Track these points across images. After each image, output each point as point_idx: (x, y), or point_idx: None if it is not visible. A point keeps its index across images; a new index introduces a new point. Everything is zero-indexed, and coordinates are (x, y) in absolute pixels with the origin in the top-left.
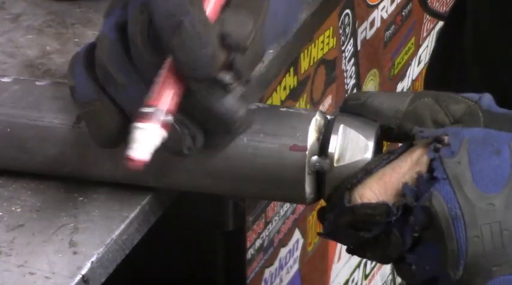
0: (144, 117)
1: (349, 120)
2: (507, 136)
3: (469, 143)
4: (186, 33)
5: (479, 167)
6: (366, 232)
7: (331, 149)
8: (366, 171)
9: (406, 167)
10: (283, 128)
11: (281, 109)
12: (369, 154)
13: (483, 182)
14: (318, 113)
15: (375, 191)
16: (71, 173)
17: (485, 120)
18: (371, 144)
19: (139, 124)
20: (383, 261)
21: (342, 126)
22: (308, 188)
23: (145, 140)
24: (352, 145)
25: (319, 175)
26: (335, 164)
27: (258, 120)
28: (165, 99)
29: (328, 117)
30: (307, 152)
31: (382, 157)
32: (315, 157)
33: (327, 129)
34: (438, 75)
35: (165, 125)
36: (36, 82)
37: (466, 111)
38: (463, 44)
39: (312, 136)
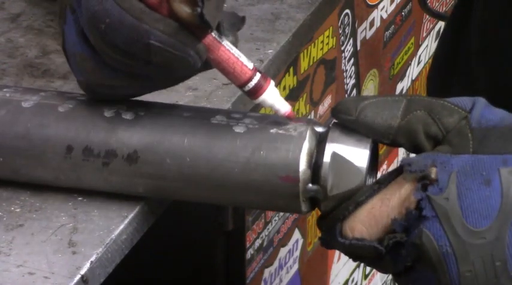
0: (261, 85)
1: (341, 139)
2: (496, 161)
3: (457, 175)
4: (159, 51)
5: (468, 202)
6: (358, 259)
7: (323, 179)
8: (356, 203)
9: (395, 202)
10: (274, 157)
11: (271, 130)
12: (362, 181)
13: (473, 217)
14: (308, 134)
15: (365, 225)
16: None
17: (474, 140)
18: (364, 169)
19: (265, 94)
20: (378, 271)
21: (333, 153)
22: (304, 208)
23: (277, 96)
24: (345, 172)
25: (314, 198)
26: (329, 194)
27: (248, 146)
28: (247, 66)
29: (320, 129)
30: (299, 183)
31: (372, 187)
32: (309, 186)
33: (318, 151)
34: (441, 76)
35: (265, 76)
36: (22, 104)
37: (455, 128)
38: (466, 44)
39: (303, 165)
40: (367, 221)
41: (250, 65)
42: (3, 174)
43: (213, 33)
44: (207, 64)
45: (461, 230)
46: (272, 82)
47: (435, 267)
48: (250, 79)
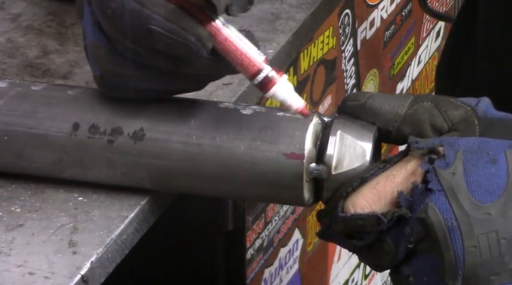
0: (271, 78)
1: (346, 124)
2: (503, 144)
3: (464, 153)
4: (161, 37)
5: (474, 178)
6: (358, 241)
7: (328, 157)
8: (360, 180)
9: (401, 177)
10: (280, 135)
11: (278, 113)
12: (366, 161)
13: (478, 192)
14: (315, 118)
15: (368, 200)
16: (69, 177)
17: (481, 127)
18: (368, 150)
19: (275, 87)
20: (375, 268)
21: (339, 132)
22: (307, 193)
23: (290, 90)
24: (350, 152)
25: (318, 181)
26: (333, 172)
27: (255, 125)
28: (255, 58)
29: (326, 119)
30: (304, 160)
31: (378, 166)
32: (313, 165)
33: (324, 134)
34: (449, 73)
35: (277, 70)
36: (32, 87)
37: (462, 118)
38: (474, 42)
39: (309, 144)
40: (370, 196)
41: (261, 57)
42: (5, 158)
43: (219, 22)
44: (226, 63)
45: (467, 204)
46: (285, 76)
47: (439, 243)
48: (259, 72)
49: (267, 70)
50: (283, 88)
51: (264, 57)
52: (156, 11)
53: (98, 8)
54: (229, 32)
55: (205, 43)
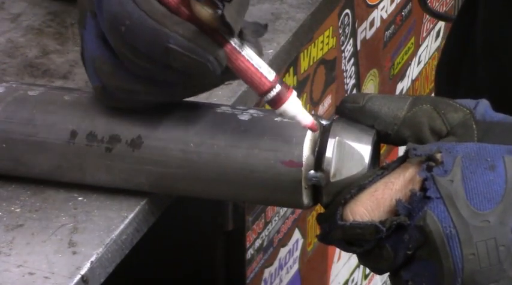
0: (281, 96)
1: (345, 127)
2: (501, 150)
3: (463, 160)
4: (178, 55)
5: (472, 185)
6: (357, 247)
7: (326, 164)
8: (359, 187)
9: (399, 184)
10: (278, 142)
11: (276, 119)
12: (365, 166)
13: (477, 199)
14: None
15: (366, 208)
16: (68, 182)
17: (479, 131)
18: (367, 155)
19: (285, 105)
20: (375, 272)
21: (337, 139)
22: (306, 199)
23: (299, 107)
24: (348, 157)
25: (316, 187)
26: (331, 180)
27: (253, 132)
28: (266, 76)
29: (324, 122)
30: (302, 168)
31: (376, 172)
32: (311, 172)
33: (322, 139)
34: (449, 73)
35: (287, 87)
36: (29, 92)
37: (461, 121)
38: (474, 42)
39: (307, 151)
40: (369, 204)
41: (271, 76)
42: (4, 164)
43: (232, 42)
44: (231, 74)
45: (465, 212)
46: (294, 94)
47: (438, 250)
48: (269, 90)
49: (277, 89)
50: (293, 106)
51: (274, 74)
52: (174, 29)
53: (109, 23)
54: (241, 51)
55: (221, 62)
